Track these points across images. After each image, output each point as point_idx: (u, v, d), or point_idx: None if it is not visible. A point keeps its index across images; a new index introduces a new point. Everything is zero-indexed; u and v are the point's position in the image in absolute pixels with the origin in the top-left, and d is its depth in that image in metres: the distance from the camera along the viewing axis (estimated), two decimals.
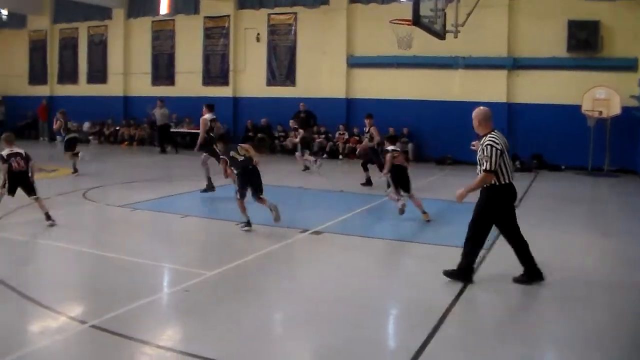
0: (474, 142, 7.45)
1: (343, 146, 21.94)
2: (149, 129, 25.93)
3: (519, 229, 7.12)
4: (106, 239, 9.72)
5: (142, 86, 27.01)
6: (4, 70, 30.84)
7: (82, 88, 28.74)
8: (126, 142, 26.24)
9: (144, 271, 7.67)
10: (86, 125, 27.06)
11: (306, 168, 17.79)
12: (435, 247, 9.06)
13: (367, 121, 15.47)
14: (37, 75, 30.40)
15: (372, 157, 15.22)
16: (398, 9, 19.13)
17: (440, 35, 14.05)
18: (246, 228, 9.70)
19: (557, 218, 11.69)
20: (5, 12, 30.44)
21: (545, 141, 19.68)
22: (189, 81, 25.49)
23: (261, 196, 9.93)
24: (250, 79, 24.49)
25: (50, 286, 6.96)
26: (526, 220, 8.27)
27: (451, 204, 12.31)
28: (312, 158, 17.89)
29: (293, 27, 23.62)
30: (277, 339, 5.77)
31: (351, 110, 22.55)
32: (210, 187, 13.25)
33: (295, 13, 23.60)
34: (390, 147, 11.34)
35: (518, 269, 7.16)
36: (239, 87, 24.80)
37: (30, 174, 9.84)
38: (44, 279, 7.26)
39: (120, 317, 5.85)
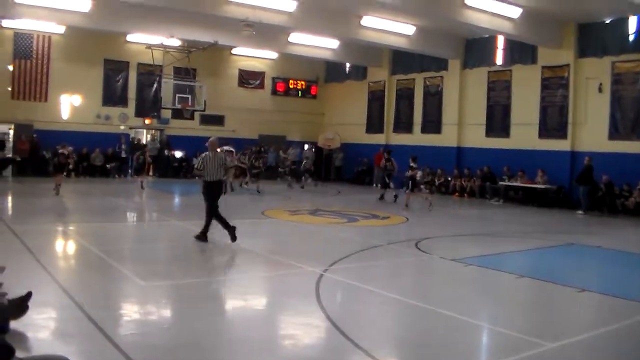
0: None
1: None
2: (475, 181, 26.97)
3: (217, 209, 12.65)
4: (435, 292, 9.96)
5: (476, 137, 28.25)
6: (345, 119, 34.88)
7: (416, 137, 31.01)
8: (457, 193, 27.55)
9: (470, 332, 7.67)
10: (419, 175, 28.84)
11: None
12: None
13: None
14: (374, 124, 33.80)
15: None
16: None
17: None
18: None
19: None
20: (348, 64, 34.39)
21: None
22: (524, 133, 25.96)
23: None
24: (591, 132, 23.97)
25: (372, 332, 7.41)
26: None
27: None
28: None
29: None
30: None
31: None
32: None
33: None
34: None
35: None
36: (578, 141, 24.42)
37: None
38: (366, 324, 7.71)
39: None
